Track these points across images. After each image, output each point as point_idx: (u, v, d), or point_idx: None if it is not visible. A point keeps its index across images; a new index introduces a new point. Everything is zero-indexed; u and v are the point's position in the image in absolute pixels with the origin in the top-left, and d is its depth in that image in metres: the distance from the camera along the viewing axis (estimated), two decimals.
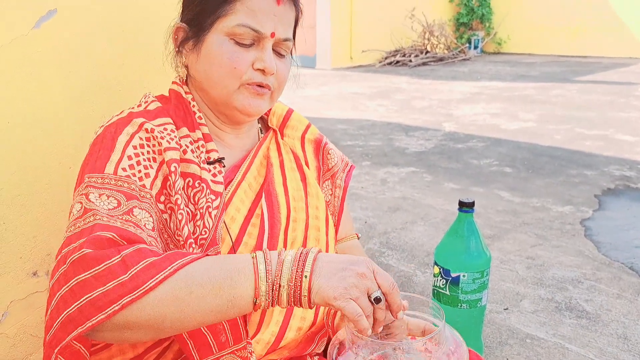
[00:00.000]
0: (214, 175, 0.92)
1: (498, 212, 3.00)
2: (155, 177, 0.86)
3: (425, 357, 0.82)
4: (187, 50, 0.97)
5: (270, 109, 1.12)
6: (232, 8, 0.91)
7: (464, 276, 1.49)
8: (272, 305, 0.76)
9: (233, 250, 0.92)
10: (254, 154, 1.03)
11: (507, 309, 2.01)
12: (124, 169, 0.83)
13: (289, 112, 1.14)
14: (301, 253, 0.77)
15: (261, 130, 1.12)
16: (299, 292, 0.75)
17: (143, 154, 0.86)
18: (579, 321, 1.92)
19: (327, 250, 1.06)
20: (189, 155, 0.90)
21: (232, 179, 0.98)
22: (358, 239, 1.21)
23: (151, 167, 0.86)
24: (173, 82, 1.02)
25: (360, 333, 0.76)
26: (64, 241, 0.76)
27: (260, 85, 0.95)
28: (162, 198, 0.86)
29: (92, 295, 0.69)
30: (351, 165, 1.19)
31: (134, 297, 0.69)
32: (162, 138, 0.88)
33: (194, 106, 0.98)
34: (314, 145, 1.15)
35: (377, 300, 0.77)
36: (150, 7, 1.29)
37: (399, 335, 0.86)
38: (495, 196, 3.26)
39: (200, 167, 0.91)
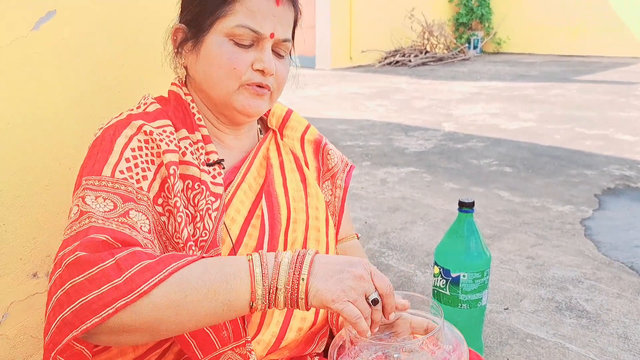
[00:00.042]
0: (214, 177, 0.92)
1: (498, 212, 3.00)
2: (153, 179, 0.86)
3: (425, 356, 0.82)
4: (186, 51, 0.97)
5: (270, 110, 1.12)
6: (231, 9, 0.91)
7: (464, 276, 1.49)
8: (268, 308, 0.76)
9: (233, 251, 0.92)
10: (253, 155, 1.03)
11: (507, 308, 2.01)
12: (121, 172, 0.83)
13: (288, 113, 1.14)
14: (298, 255, 0.77)
15: (260, 131, 1.12)
16: (296, 294, 0.75)
17: (141, 156, 0.86)
18: (579, 321, 1.92)
19: (327, 251, 1.06)
20: (188, 158, 0.90)
21: (232, 180, 0.98)
22: (358, 238, 1.21)
23: (149, 170, 0.86)
24: (172, 84, 1.02)
25: (360, 335, 0.76)
26: (61, 244, 0.76)
27: (259, 86, 0.95)
28: (160, 200, 0.86)
29: (86, 298, 0.69)
30: (351, 166, 1.19)
31: (128, 300, 0.69)
32: (161, 140, 0.88)
33: (193, 107, 0.98)
34: (314, 145, 1.15)
35: (375, 302, 0.77)
36: (150, 7, 1.29)
37: (403, 334, 0.87)
38: (495, 196, 3.26)
39: (199, 169, 0.91)
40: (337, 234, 1.13)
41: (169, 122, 0.93)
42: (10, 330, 1.16)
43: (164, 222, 0.86)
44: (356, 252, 1.19)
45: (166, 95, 1.01)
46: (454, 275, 1.50)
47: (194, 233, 0.87)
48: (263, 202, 0.99)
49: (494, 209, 3.04)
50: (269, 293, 0.75)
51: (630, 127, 4.88)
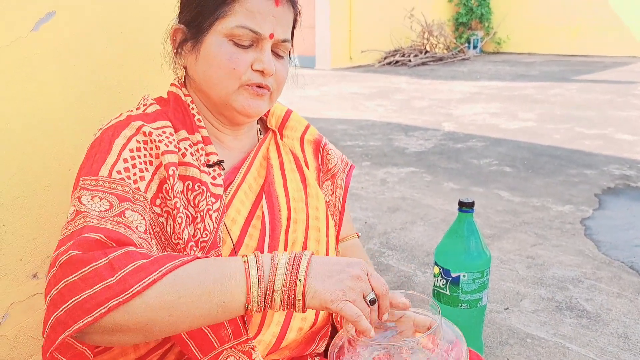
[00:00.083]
0: (214, 178, 0.92)
1: (498, 211, 3.00)
2: (151, 180, 0.86)
3: (424, 354, 0.82)
4: (185, 51, 0.97)
5: (269, 110, 1.12)
6: (230, 9, 0.91)
7: (464, 276, 1.49)
8: (264, 310, 0.75)
9: (234, 252, 0.92)
10: (253, 155, 1.03)
11: (507, 308, 2.01)
12: (118, 172, 0.83)
13: (288, 113, 1.14)
14: (295, 256, 0.77)
15: (260, 132, 1.12)
16: (293, 296, 0.75)
17: (140, 157, 0.86)
18: (580, 320, 1.92)
19: (327, 251, 1.06)
20: (188, 159, 0.90)
21: (232, 181, 0.98)
22: (358, 237, 1.21)
23: (147, 171, 0.86)
24: (171, 84, 1.02)
25: (362, 334, 0.76)
26: (57, 244, 0.76)
27: (259, 86, 0.95)
28: (158, 201, 0.86)
29: (79, 297, 0.69)
30: (351, 165, 1.19)
31: (120, 300, 0.69)
32: (160, 141, 0.87)
33: (192, 108, 0.98)
34: (314, 145, 1.15)
35: (373, 302, 0.77)
36: (150, 7, 1.29)
37: (406, 332, 0.87)
38: (495, 196, 3.26)
39: (200, 170, 0.91)
40: (338, 233, 1.13)
41: (169, 123, 0.93)
42: (10, 331, 1.16)
43: (162, 223, 0.86)
44: (357, 251, 1.19)
45: (165, 95, 1.01)
46: (454, 275, 1.50)
47: (194, 234, 0.87)
48: (263, 202, 0.99)
49: (494, 208, 3.04)
50: (265, 295, 0.74)
51: (629, 126, 4.89)
